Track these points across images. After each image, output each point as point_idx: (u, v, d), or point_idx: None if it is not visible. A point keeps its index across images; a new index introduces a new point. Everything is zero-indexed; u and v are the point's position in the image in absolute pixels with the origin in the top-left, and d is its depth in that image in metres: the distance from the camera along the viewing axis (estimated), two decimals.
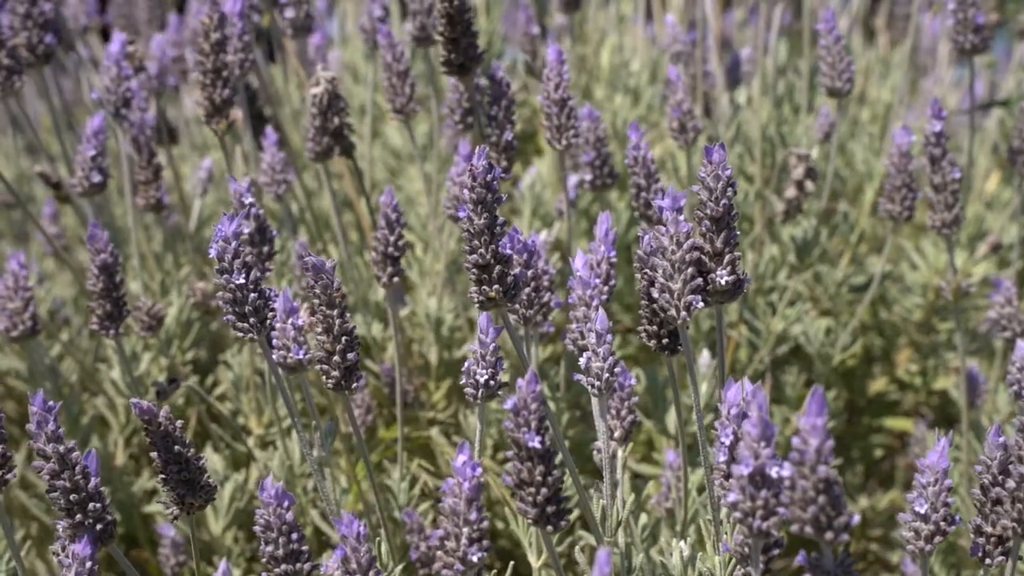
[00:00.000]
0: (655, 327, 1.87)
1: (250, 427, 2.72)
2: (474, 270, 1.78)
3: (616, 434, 2.05)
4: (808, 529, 1.43)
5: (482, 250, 1.77)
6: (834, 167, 2.86)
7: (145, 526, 2.74)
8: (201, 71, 2.43)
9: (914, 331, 3.05)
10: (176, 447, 1.86)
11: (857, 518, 1.43)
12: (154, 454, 1.86)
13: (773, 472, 1.49)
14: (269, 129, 2.64)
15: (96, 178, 2.54)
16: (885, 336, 3.11)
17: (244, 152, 2.91)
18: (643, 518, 2.17)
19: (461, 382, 1.90)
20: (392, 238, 2.20)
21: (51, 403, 1.77)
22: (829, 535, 1.43)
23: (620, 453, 2.06)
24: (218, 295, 1.82)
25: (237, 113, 2.83)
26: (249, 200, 2.19)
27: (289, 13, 2.80)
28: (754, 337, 2.85)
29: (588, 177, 2.54)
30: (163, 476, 1.88)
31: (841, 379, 3.06)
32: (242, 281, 1.80)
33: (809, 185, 2.81)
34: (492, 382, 1.88)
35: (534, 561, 2.08)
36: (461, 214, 1.76)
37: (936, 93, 3.75)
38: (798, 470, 1.42)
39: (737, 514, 1.51)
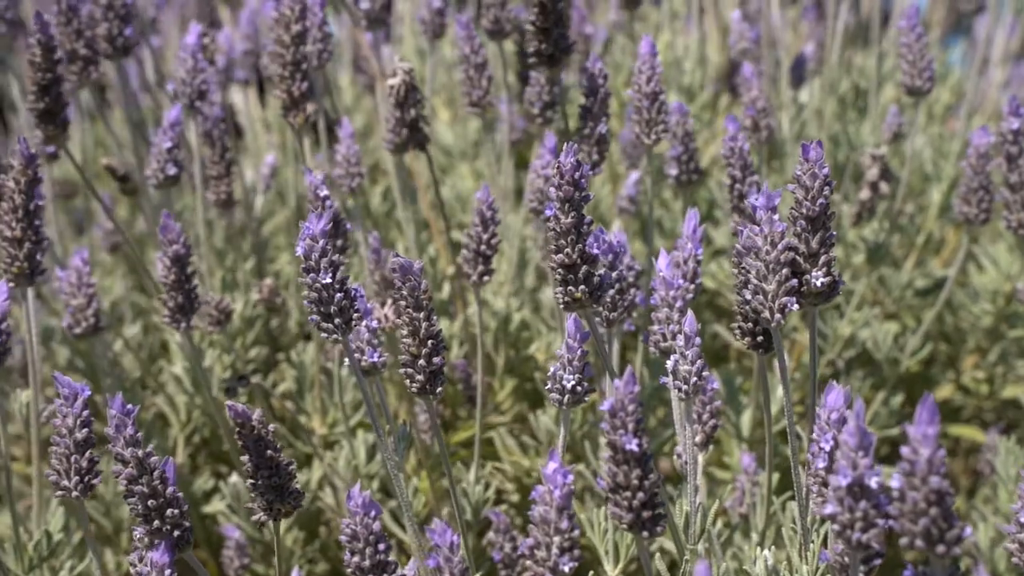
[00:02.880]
0: (750, 324, 1.82)
1: (313, 426, 2.69)
2: (559, 270, 1.74)
3: (697, 439, 2.01)
4: (919, 542, 1.39)
5: (568, 249, 1.73)
6: (908, 168, 2.81)
7: (203, 526, 2.71)
8: (280, 63, 2.40)
9: (981, 337, 3.00)
10: (268, 452, 1.81)
11: (969, 531, 1.39)
12: (245, 458, 1.82)
13: (872, 483, 1.44)
14: (346, 120, 2.60)
15: (171, 170, 2.51)
16: (951, 341, 3.06)
17: (313, 144, 2.86)
18: (718, 524, 2.13)
19: (547, 387, 1.86)
20: (486, 236, 2.17)
21: (130, 407, 1.73)
22: (941, 548, 1.39)
23: (700, 458, 2.02)
24: (303, 294, 1.78)
25: (312, 107, 2.80)
26: (324, 193, 2.16)
27: (364, 5, 2.77)
28: (820, 341, 2.81)
29: (674, 172, 2.49)
30: (252, 481, 1.83)
31: (904, 384, 3.01)
32: (328, 280, 1.75)
33: (883, 186, 2.76)
34: (579, 388, 1.83)
35: (610, 570, 2.04)
36: (548, 212, 1.72)
37: (990, 92, 3.70)
38: (908, 481, 1.37)
39: (835, 526, 1.47)
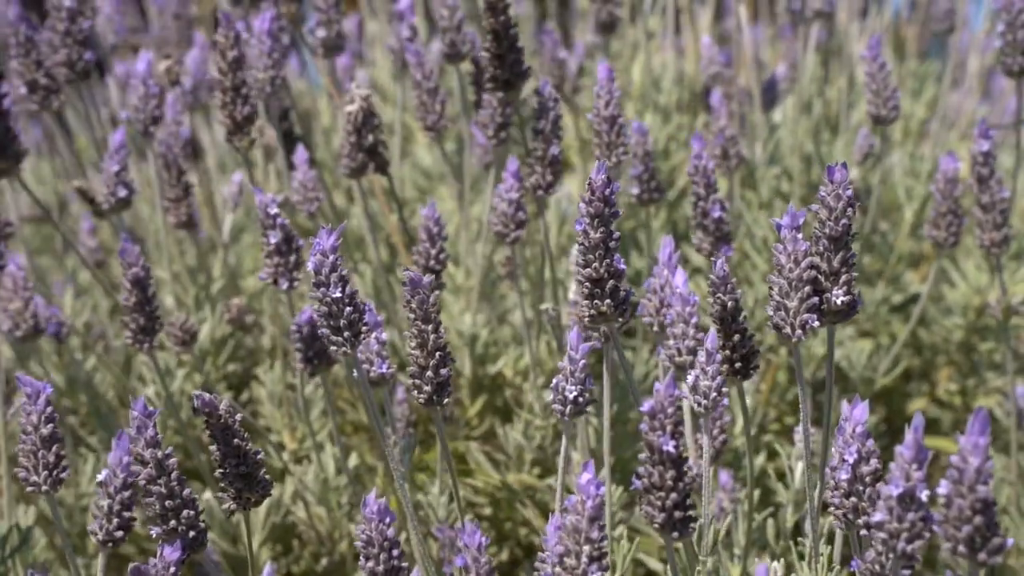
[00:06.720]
0: (728, 351, 1.85)
1: (283, 442, 2.68)
2: (587, 284, 1.77)
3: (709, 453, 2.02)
4: (961, 548, 1.41)
5: (596, 264, 1.75)
6: (878, 190, 2.86)
7: None
8: (220, 89, 2.43)
9: (954, 351, 3.04)
10: (235, 440, 1.85)
11: (1011, 541, 1.42)
12: (213, 447, 1.85)
13: (923, 495, 1.47)
14: (300, 147, 2.62)
15: (121, 192, 2.52)
16: (924, 356, 3.10)
17: (277, 170, 2.87)
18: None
19: (548, 399, 1.87)
20: (433, 251, 2.24)
21: (151, 409, 1.78)
22: (982, 556, 1.41)
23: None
24: (313, 308, 1.78)
25: (270, 132, 2.80)
26: (275, 211, 2.20)
27: (320, 33, 2.78)
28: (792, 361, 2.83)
29: (635, 191, 2.52)
30: (221, 471, 1.87)
31: (880, 399, 3.05)
32: (339, 295, 1.77)
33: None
34: (581, 399, 1.84)
35: None
36: (577, 227, 1.74)
37: (965, 108, 3.74)
38: (955, 488, 1.40)
39: (882, 534, 1.49)
